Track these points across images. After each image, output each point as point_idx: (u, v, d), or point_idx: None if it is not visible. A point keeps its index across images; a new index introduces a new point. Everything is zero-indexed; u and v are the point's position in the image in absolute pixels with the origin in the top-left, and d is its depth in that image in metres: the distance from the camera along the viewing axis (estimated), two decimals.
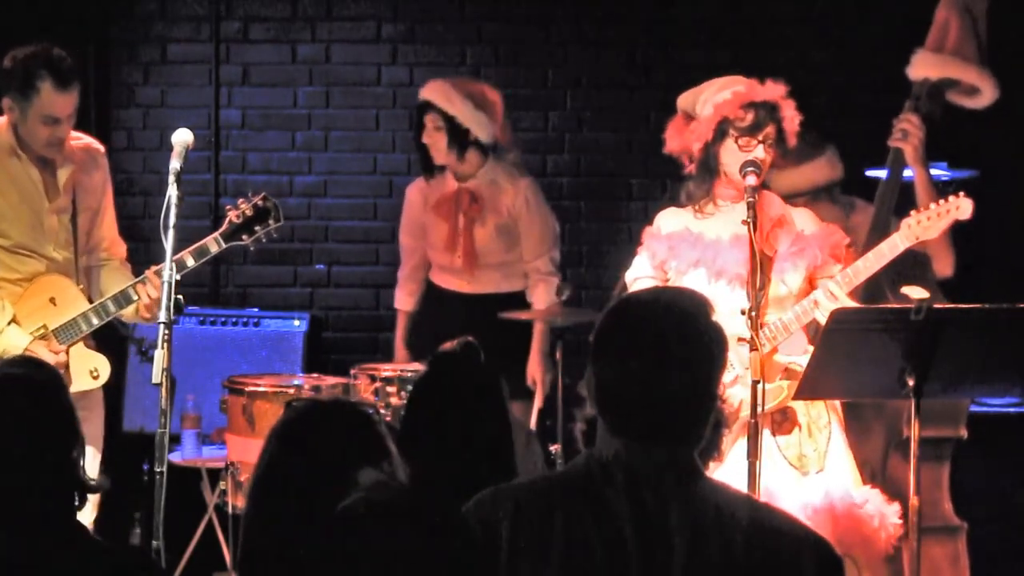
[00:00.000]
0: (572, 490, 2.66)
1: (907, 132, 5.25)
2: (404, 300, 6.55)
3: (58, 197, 5.04)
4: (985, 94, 5.41)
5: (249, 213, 4.90)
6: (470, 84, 6.35)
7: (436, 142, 6.21)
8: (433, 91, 6.23)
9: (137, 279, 4.90)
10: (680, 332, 2.68)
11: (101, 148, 5.22)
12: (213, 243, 4.84)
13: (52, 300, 4.94)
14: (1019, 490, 6.03)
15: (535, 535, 2.60)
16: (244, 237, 4.89)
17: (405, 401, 4.33)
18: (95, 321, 4.92)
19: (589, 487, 2.65)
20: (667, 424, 2.66)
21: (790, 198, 5.07)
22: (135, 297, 4.88)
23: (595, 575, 2.59)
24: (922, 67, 5.41)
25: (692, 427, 2.69)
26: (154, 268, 4.85)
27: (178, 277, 4.47)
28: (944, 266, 5.19)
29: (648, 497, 2.62)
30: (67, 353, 4.90)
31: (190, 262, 4.85)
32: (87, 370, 4.91)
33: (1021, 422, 6.21)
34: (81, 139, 5.18)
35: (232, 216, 4.89)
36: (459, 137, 6.19)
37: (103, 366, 4.98)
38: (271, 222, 4.94)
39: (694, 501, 2.63)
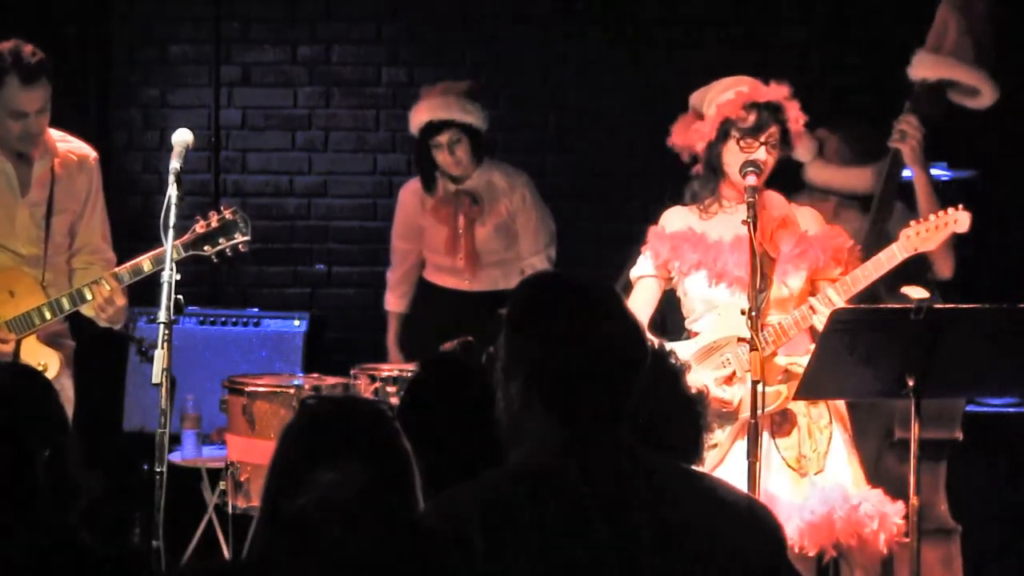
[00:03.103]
0: (533, 483, 2.64)
1: (905, 133, 5.25)
2: (395, 302, 6.56)
3: (31, 192, 5.08)
4: (985, 95, 5.41)
5: (215, 225, 4.91)
6: (454, 84, 6.30)
7: (459, 155, 6.17)
8: (438, 108, 6.15)
9: (93, 280, 4.94)
10: (610, 311, 2.71)
11: (91, 154, 5.24)
12: (172, 251, 4.86)
13: (11, 293, 5.00)
14: (1018, 490, 6.03)
15: (507, 530, 2.59)
16: (207, 248, 4.90)
17: None
18: (48, 315, 4.97)
19: (549, 478, 2.64)
20: (611, 405, 2.68)
21: (822, 195, 5.05)
22: (89, 297, 4.93)
23: (570, 563, 2.58)
24: (921, 68, 5.42)
25: (626, 405, 2.71)
26: (110, 272, 4.93)
27: (178, 276, 4.47)
28: (944, 268, 5.20)
29: (603, 480, 2.63)
30: (18, 344, 4.94)
31: (147, 267, 4.88)
32: (35, 363, 4.93)
33: (1021, 422, 6.21)
34: (71, 142, 5.22)
35: (197, 227, 4.90)
36: (479, 143, 6.20)
37: (53, 362, 5.00)
38: (237, 236, 4.93)
39: (648, 478, 2.65)
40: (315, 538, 2.39)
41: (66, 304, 4.96)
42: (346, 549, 2.36)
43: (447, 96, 6.17)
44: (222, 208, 4.96)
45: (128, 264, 4.93)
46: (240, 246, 4.95)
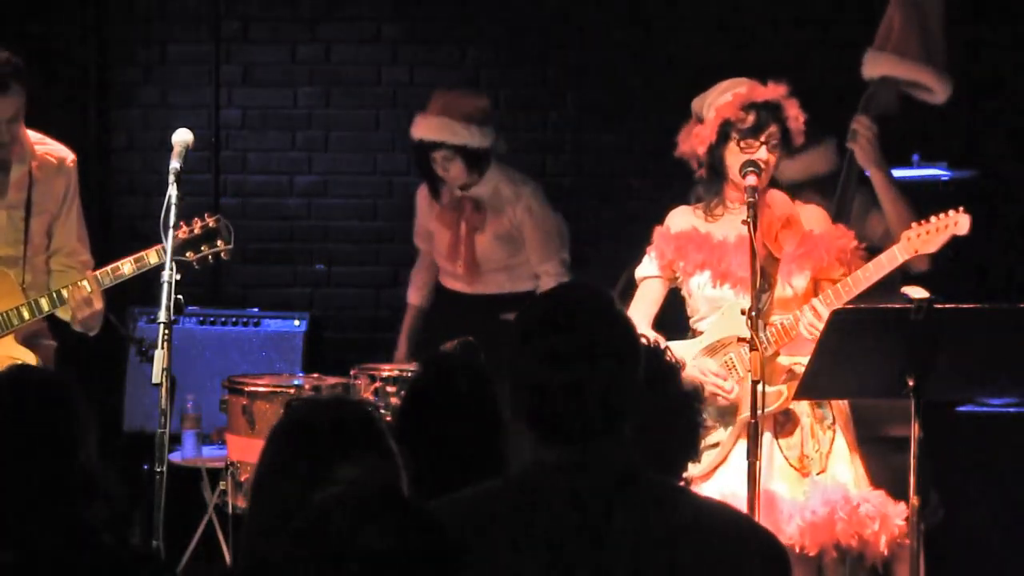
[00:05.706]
0: (514, 500, 2.62)
1: (856, 133, 5.26)
2: (414, 294, 6.61)
3: (9, 195, 5.09)
4: (936, 91, 5.40)
5: (197, 232, 4.92)
6: (461, 101, 6.27)
7: (452, 173, 6.19)
8: (432, 129, 6.15)
9: (71, 283, 4.94)
10: (605, 328, 2.64)
11: (69, 156, 5.25)
12: (154, 255, 4.84)
13: None
14: (1018, 490, 6.03)
15: (481, 545, 2.55)
16: (189, 254, 4.90)
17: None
18: (26, 315, 4.99)
19: (531, 496, 2.61)
20: (603, 424, 2.62)
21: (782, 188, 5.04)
22: (67, 299, 4.93)
23: None
24: (870, 66, 5.42)
25: (622, 424, 2.64)
26: (91, 273, 4.94)
27: (178, 276, 4.47)
28: (919, 261, 5.16)
29: (590, 501, 2.58)
30: None
31: (127, 270, 4.88)
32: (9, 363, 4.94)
33: (1020, 422, 6.20)
34: (49, 144, 5.23)
35: (180, 232, 4.89)
36: (476, 160, 6.19)
37: (28, 361, 5.00)
38: (220, 243, 4.93)
39: (635, 501, 2.60)
40: (336, 534, 2.39)
41: (45, 305, 4.97)
42: (367, 543, 2.36)
43: (443, 116, 6.16)
44: (206, 216, 4.95)
45: (108, 267, 4.93)
46: (223, 254, 4.94)
